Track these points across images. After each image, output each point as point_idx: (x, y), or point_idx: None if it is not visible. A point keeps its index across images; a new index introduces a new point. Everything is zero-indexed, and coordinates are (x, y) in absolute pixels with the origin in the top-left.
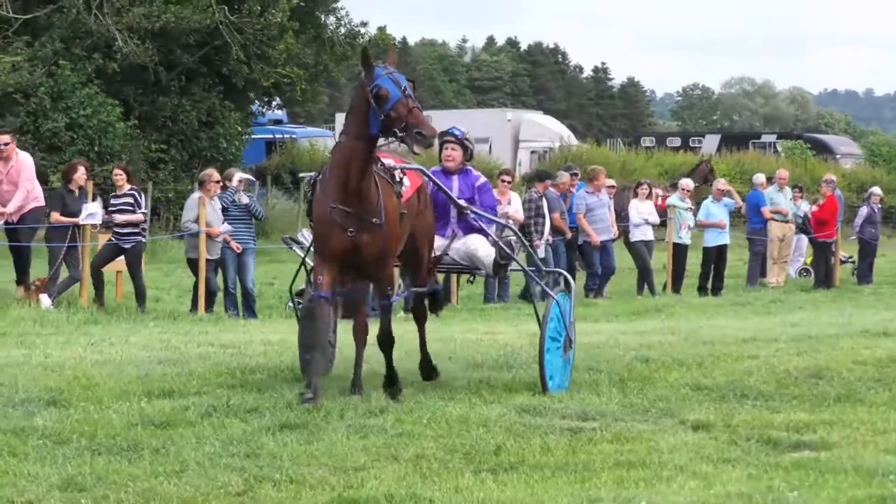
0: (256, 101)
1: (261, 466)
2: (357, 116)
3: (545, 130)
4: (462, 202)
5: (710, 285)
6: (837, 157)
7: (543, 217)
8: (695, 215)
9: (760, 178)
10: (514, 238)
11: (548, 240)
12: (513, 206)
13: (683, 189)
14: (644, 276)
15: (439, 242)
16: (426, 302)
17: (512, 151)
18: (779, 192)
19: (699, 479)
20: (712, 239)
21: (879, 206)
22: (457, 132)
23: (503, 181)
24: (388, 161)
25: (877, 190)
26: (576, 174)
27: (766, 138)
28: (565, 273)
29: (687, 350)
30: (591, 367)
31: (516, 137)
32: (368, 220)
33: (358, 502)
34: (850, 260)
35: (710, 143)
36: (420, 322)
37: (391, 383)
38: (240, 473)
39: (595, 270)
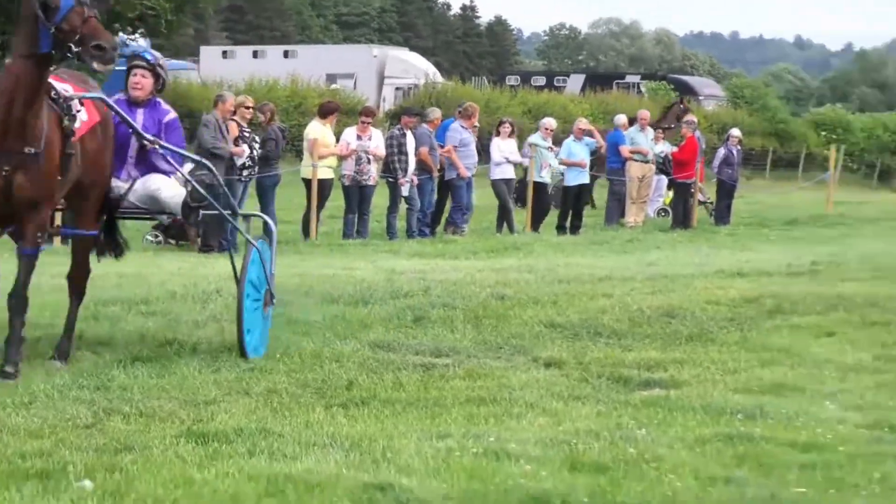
0: (121, 33)
1: (110, 399)
2: (24, 32)
3: (410, 67)
4: (150, 136)
5: (568, 224)
6: (700, 98)
7: (406, 154)
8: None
9: (622, 118)
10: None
11: (412, 178)
12: (373, 141)
13: (546, 128)
14: (503, 214)
15: (116, 184)
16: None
17: (377, 88)
18: (640, 133)
19: (549, 415)
20: (573, 178)
21: (738, 147)
22: (148, 56)
23: (363, 122)
24: (66, 87)
25: (735, 132)
26: (461, 110)
27: (630, 79)
28: (265, 216)
29: (543, 288)
30: (447, 303)
31: (382, 74)
32: (25, 156)
33: (207, 436)
34: (708, 201)
35: (575, 83)
36: (76, 290)
37: (11, 353)
38: (89, 406)
39: (461, 205)
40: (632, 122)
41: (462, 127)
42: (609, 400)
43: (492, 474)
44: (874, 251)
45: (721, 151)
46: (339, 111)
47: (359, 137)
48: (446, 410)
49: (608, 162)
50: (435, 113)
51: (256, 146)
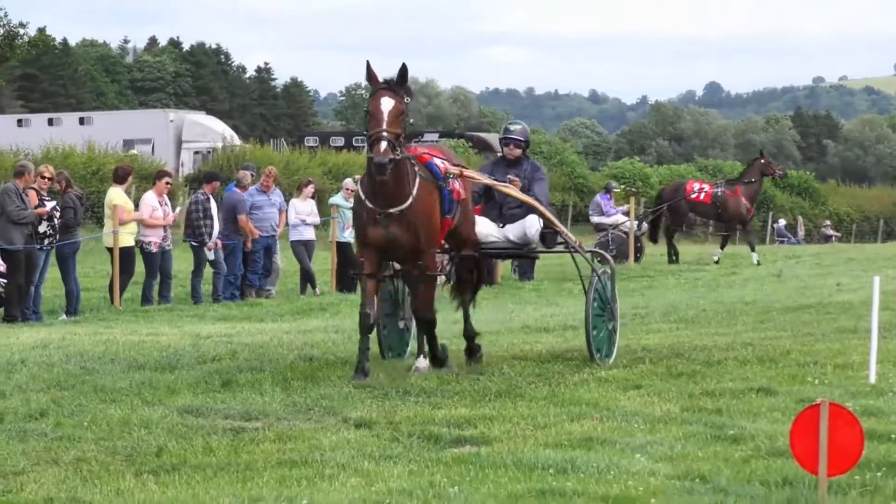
0: None
1: None
2: None
3: (208, 131)
4: None
5: None
6: (499, 154)
7: (211, 219)
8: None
9: None
10: None
11: (216, 242)
12: (171, 205)
13: (347, 189)
14: (305, 276)
15: None
16: None
17: (175, 152)
18: None
19: (361, 476)
20: None
21: None
22: None
23: (166, 183)
24: None
25: None
26: (253, 173)
27: (428, 137)
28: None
29: (350, 348)
30: (255, 367)
31: (179, 138)
32: None
33: None
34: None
35: None
36: None
37: None
38: None
39: (255, 268)
40: None
41: (257, 191)
42: (420, 458)
43: None
44: (677, 302)
45: None
46: (132, 174)
47: (160, 202)
48: (258, 474)
49: None
50: (247, 178)
51: (57, 214)
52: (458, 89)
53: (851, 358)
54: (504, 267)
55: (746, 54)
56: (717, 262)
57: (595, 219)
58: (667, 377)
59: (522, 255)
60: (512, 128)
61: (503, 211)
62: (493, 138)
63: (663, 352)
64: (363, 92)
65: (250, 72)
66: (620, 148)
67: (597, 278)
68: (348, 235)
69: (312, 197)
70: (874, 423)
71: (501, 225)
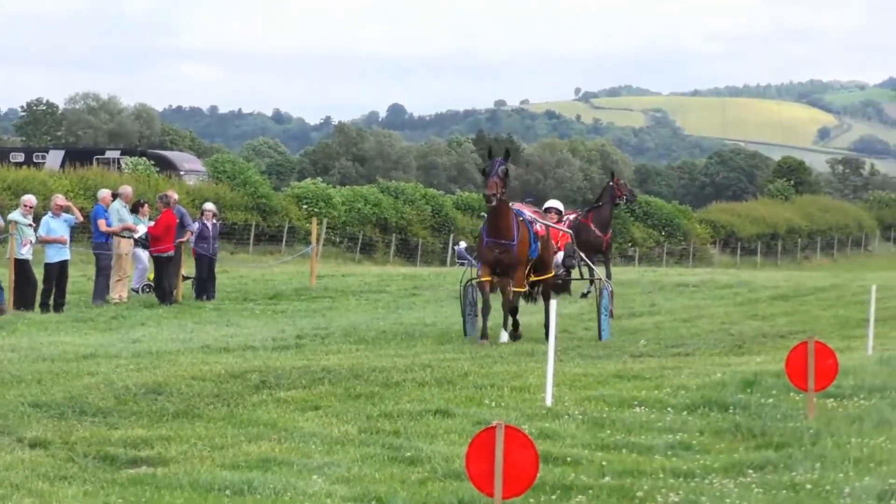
0: None
1: None
2: None
3: None
4: None
5: (52, 302)
6: (181, 173)
7: None
8: None
9: (104, 193)
10: None
11: None
12: None
13: (26, 205)
14: None
15: None
16: None
17: None
18: (124, 208)
19: (35, 496)
20: (54, 255)
21: (215, 222)
22: None
23: None
24: None
25: (209, 206)
26: None
27: (109, 154)
28: None
29: (26, 367)
30: None
31: None
32: None
33: None
34: (190, 277)
35: (54, 159)
36: None
37: None
38: None
39: None
40: (115, 196)
41: None
42: (96, 479)
43: None
44: (357, 323)
45: (195, 226)
46: None
47: None
48: None
49: (94, 237)
50: None
51: None
52: (141, 106)
53: (528, 380)
54: (185, 286)
55: (428, 76)
56: (585, 295)
57: None
58: (345, 398)
59: None
60: None
61: None
62: (175, 156)
63: (343, 373)
64: (44, 108)
65: None
66: (304, 168)
67: None
68: (26, 252)
69: None
70: (549, 446)
71: None
